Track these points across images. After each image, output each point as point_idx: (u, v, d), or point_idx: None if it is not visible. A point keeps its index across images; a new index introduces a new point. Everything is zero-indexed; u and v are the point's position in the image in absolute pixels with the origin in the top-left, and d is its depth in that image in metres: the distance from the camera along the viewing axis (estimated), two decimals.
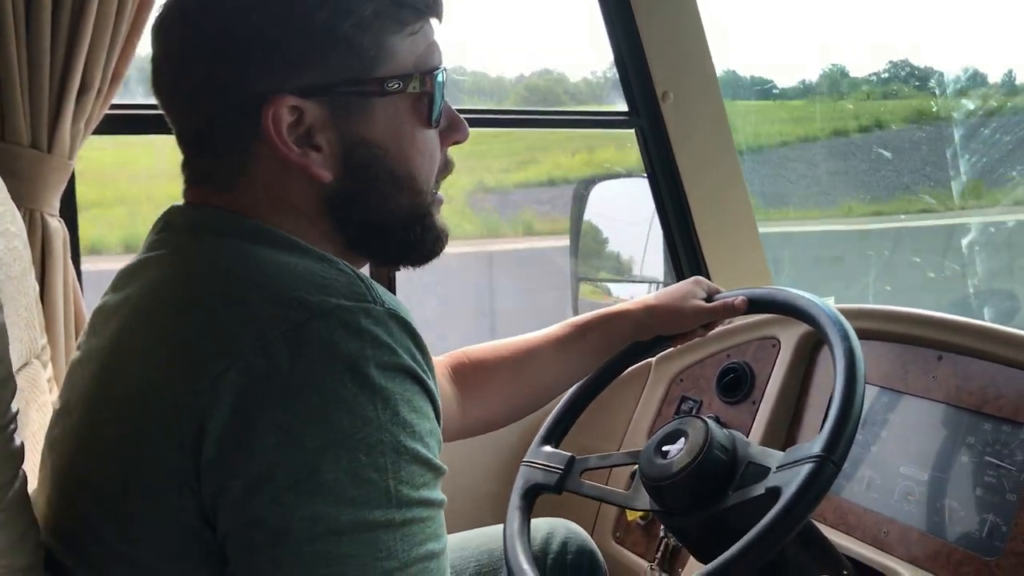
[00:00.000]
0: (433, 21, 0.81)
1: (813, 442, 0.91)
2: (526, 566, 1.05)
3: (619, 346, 1.26)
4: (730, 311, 1.21)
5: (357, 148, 0.77)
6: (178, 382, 0.67)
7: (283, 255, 0.73)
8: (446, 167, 0.86)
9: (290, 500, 0.64)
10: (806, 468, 0.89)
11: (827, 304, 1.07)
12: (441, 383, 1.18)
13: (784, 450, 0.96)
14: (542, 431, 1.24)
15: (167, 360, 0.69)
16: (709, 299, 1.24)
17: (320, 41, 0.74)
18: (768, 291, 1.19)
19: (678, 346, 1.41)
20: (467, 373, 1.23)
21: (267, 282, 0.70)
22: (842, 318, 1.03)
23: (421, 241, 0.84)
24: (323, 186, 0.77)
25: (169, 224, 0.80)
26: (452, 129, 0.85)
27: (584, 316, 1.26)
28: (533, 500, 1.17)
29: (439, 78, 0.80)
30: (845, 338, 0.99)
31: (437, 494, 0.69)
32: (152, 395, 0.69)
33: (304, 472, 0.64)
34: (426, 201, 0.83)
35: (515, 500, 1.16)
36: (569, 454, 1.17)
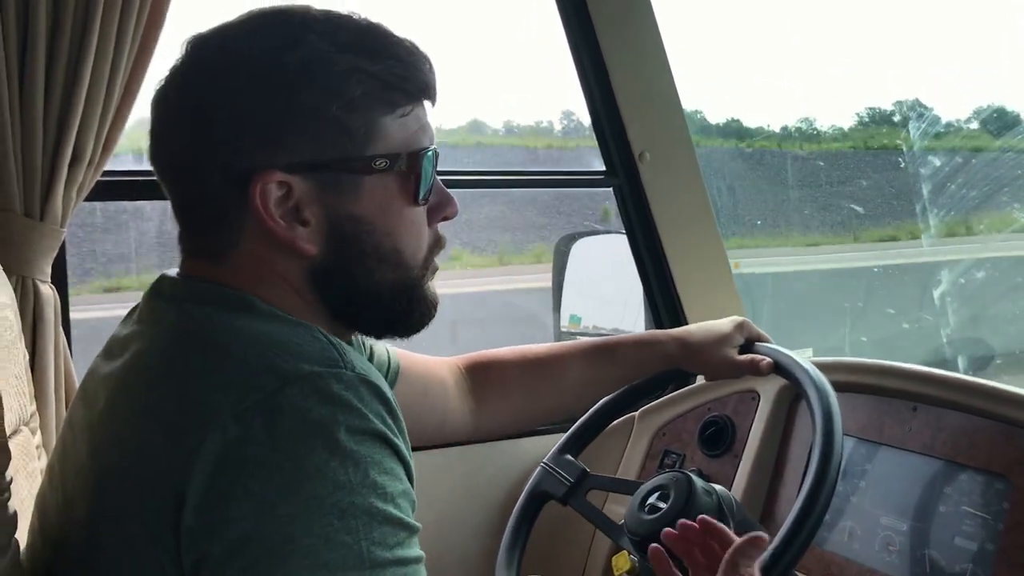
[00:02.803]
0: (427, 103, 0.84)
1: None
2: None
3: (646, 371, 1.24)
4: (755, 372, 1.19)
5: (344, 223, 0.79)
6: (157, 453, 0.69)
7: (259, 323, 0.75)
8: (437, 243, 0.87)
9: (266, 566, 0.65)
10: None
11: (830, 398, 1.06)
12: (449, 384, 1.20)
13: (764, 504, 0.98)
14: (565, 438, 1.23)
15: (147, 432, 0.71)
16: (746, 344, 1.22)
17: (308, 121, 0.76)
18: (787, 360, 1.16)
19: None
20: (485, 374, 1.23)
21: (241, 350, 0.72)
22: (837, 419, 1.03)
23: (408, 313, 0.85)
24: (309, 259, 0.79)
25: (157, 294, 0.82)
26: (441, 206, 0.86)
27: (612, 337, 1.27)
28: (539, 507, 1.17)
29: (428, 156, 0.82)
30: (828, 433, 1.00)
31: (413, 551, 0.70)
32: (133, 467, 0.71)
33: (279, 538, 0.65)
34: (414, 275, 0.84)
35: (522, 501, 1.16)
36: (583, 466, 1.16)
